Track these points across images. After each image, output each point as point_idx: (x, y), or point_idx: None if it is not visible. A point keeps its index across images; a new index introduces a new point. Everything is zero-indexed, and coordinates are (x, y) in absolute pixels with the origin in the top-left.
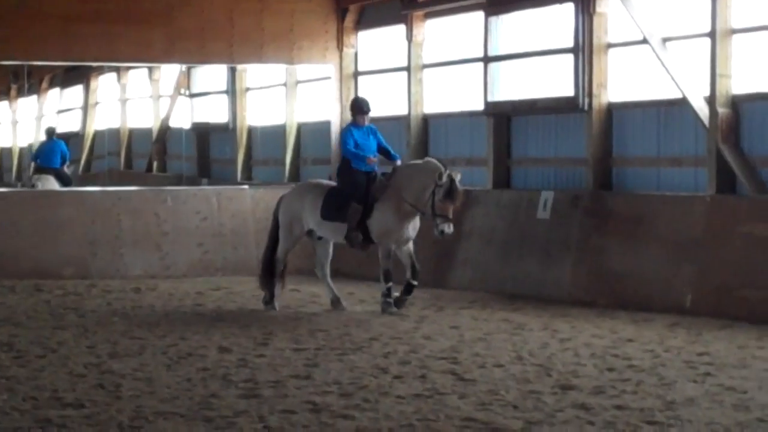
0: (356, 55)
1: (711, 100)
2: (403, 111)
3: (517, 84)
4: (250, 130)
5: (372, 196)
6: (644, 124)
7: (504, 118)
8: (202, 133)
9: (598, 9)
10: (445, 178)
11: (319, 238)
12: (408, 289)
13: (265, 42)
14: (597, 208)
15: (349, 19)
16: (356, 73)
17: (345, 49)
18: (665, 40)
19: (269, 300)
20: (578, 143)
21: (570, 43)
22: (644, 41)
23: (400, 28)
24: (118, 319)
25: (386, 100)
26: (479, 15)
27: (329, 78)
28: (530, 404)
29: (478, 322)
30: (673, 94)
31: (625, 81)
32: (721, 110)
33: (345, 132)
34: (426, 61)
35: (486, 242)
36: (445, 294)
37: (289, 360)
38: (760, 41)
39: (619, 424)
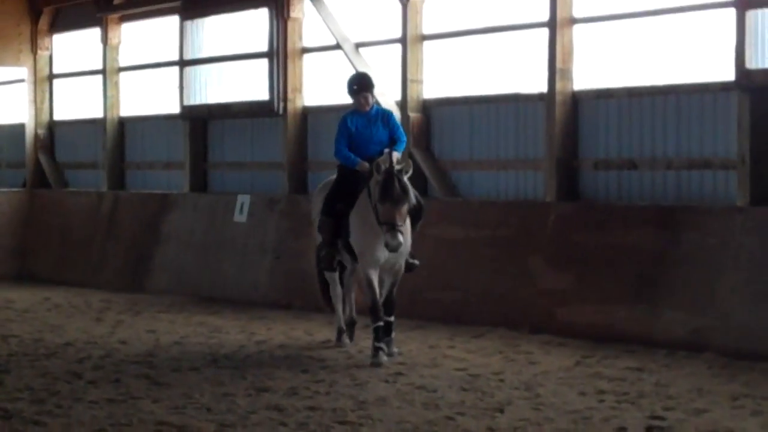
0: (51, 57)
1: (402, 105)
2: (99, 114)
3: (214, 88)
4: None
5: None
6: (335, 130)
7: (200, 122)
8: None
9: (292, 14)
10: (381, 172)
11: None
12: (385, 329)
13: None
14: (292, 210)
15: (44, 22)
16: (51, 76)
17: (39, 51)
18: (358, 45)
19: (338, 334)
20: (274, 147)
21: (265, 48)
22: (338, 46)
23: (96, 31)
24: None
25: (82, 104)
26: (175, 19)
27: (23, 81)
28: (224, 407)
29: (175, 325)
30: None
31: (320, 85)
32: (413, 115)
33: (339, 123)
34: (122, 64)
35: (184, 246)
36: (143, 298)
37: None
38: (450, 47)
39: (311, 424)
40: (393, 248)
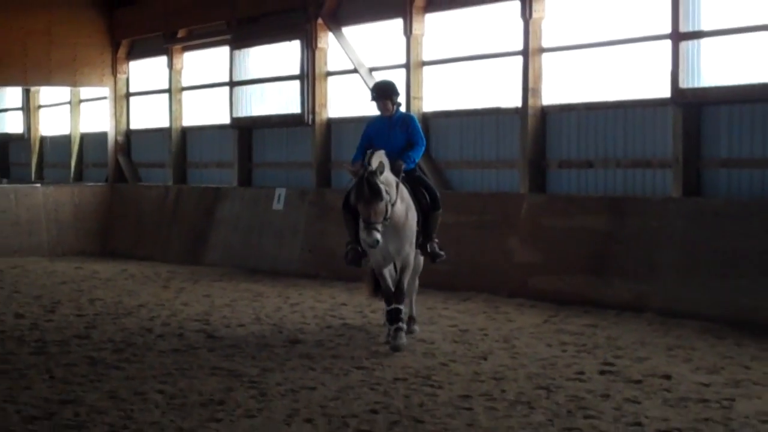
0: (128, 79)
1: None
2: (166, 124)
3: (257, 104)
4: (42, 140)
5: None
6: (356, 136)
7: (246, 131)
8: (2, 142)
9: (319, 45)
10: (357, 174)
11: None
12: (392, 315)
13: (53, 69)
14: (319, 201)
15: (122, 51)
16: (128, 94)
17: (118, 75)
18: (371, 69)
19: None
20: (305, 150)
21: (297, 71)
22: (355, 70)
23: (163, 59)
24: None
25: (152, 116)
26: (226, 49)
27: (106, 98)
28: (265, 355)
29: (226, 291)
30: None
31: (341, 101)
32: None
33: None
34: (184, 85)
35: (233, 228)
36: (200, 270)
37: (72, 323)
38: (443, 71)
39: (335, 369)
40: (369, 244)
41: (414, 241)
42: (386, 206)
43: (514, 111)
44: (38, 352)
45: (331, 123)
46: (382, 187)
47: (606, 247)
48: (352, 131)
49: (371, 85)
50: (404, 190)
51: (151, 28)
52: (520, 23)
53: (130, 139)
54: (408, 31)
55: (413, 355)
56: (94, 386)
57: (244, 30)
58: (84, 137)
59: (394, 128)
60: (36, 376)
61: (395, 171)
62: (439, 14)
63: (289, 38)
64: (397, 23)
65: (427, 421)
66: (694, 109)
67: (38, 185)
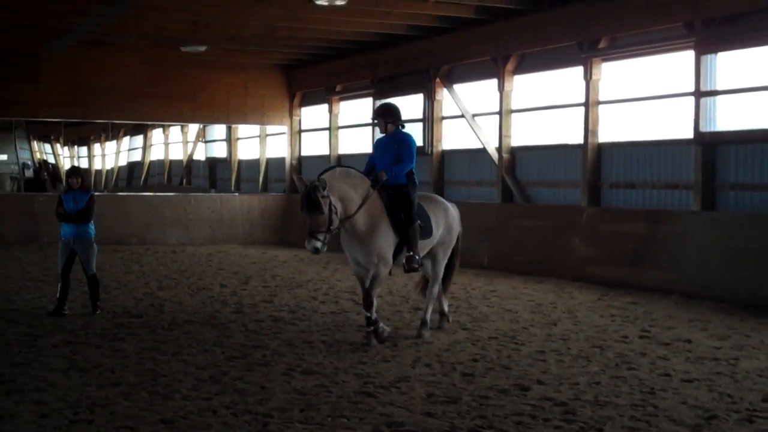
0: (300, 120)
1: (499, 149)
2: (325, 152)
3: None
4: (239, 162)
5: None
6: (461, 163)
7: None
8: (212, 163)
9: (437, 97)
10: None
11: None
12: (366, 319)
13: (248, 112)
14: None
15: (296, 100)
16: (300, 131)
17: (293, 116)
18: (474, 115)
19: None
20: (427, 172)
21: (420, 116)
22: (462, 116)
23: (325, 106)
24: (163, 267)
25: (317, 146)
26: (370, 99)
27: (284, 133)
28: (396, 318)
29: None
30: (478, 145)
31: (452, 138)
32: (505, 155)
33: None
34: (340, 124)
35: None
36: (338, 256)
37: (260, 292)
38: (526, 117)
39: (446, 329)
40: (309, 251)
41: (386, 254)
42: (329, 218)
43: (578, 146)
44: (236, 311)
45: (444, 153)
46: (322, 201)
47: (644, 246)
48: (459, 159)
49: (474, 127)
50: (375, 205)
51: (316, 84)
52: (583, 83)
53: (300, 162)
54: (501, 87)
55: (502, 321)
56: (276, 336)
57: (383, 86)
58: (269, 161)
59: (391, 145)
60: (235, 328)
61: (375, 181)
62: (523, 76)
63: (416, 92)
64: (493, 82)
65: (513, 368)
66: (710, 147)
67: (236, 194)
